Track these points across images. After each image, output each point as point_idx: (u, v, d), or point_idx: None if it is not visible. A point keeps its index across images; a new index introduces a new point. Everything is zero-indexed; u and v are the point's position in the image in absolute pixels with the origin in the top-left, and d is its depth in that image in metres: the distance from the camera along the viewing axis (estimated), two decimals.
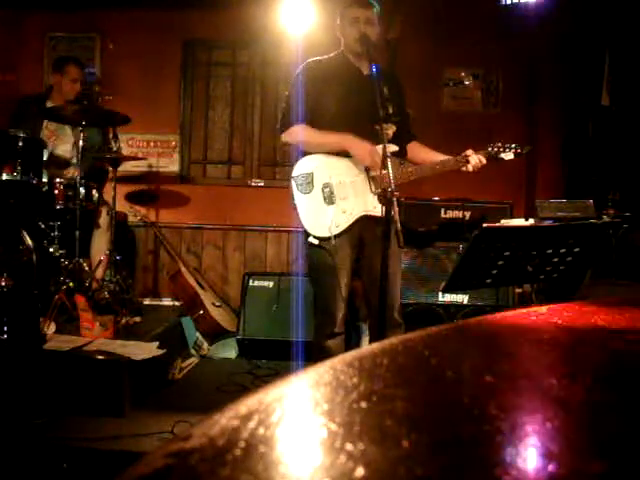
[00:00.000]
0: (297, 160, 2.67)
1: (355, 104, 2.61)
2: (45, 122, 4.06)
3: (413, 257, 3.82)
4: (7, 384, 2.67)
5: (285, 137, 2.68)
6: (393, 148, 2.48)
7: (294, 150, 2.74)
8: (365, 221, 2.59)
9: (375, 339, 2.62)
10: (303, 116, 2.62)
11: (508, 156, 2.71)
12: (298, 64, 2.74)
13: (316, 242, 2.56)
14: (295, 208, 2.60)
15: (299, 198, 2.59)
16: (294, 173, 2.62)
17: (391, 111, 2.38)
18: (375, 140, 2.49)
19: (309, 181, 2.60)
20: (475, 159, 2.63)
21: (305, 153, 2.67)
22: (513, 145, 2.72)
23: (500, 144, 2.71)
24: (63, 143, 4.07)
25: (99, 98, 4.74)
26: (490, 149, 2.70)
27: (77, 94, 4.12)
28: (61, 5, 4.82)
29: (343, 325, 2.67)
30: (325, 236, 2.56)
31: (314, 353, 2.74)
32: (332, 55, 2.75)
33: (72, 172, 3.81)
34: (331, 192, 2.59)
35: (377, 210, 2.45)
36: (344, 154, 2.62)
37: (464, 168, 2.65)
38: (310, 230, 2.58)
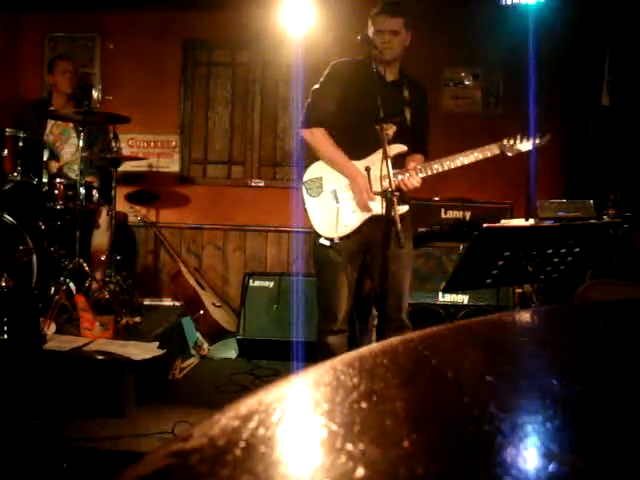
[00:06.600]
0: (300, 162, 2.84)
1: (368, 106, 2.62)
2: (49, 126, 4.06)
3: (413, 257, 3.83)
4: (7, 384, 2.67)
5: (306, 135, 2.74)
6: (401, 148, 2.56)
7: (298, 150, 2.81)
8: (373, 222, 2.61)
9: (380, 339, 2.64)
10: (326, 117, 2.70)
11: (526, 147, 2.68)
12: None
13: (327, 243, 2.63)
14: (306, 212, 2.70)
15: (309, 202, 2.69)
16: (304, 178, 2.72)
17: (409, 117, 2.46)
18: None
19: (318, 185, 2.69)
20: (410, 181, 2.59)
21: (314, 158, 2.76)
22: (529, 137, 2.69)
23: (514, 137, 2.68)
24: (69, 146, 4.08)
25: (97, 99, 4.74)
26: (505, 142, 2.66)
27: (72, 87, 4.11)
28: (61, 5, 4.82)
29: (346, 323, 2.70)
30: (335, 236, 2.63)
31: (317, 349, 2.82)
32: (360, 59, 2.76)
33: (89, 178, 3.82)
34: (342, 194, 2.67)
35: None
36: (351, 158, 2.68)
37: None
38: (321, 232, 2.65)
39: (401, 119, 2.62)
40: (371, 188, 2.60)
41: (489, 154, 2.62)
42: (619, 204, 3.59)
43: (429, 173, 2.61)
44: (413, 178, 2.58)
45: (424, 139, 2.85)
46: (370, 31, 2.68)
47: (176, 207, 4.90)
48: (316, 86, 2.75)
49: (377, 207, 2.57)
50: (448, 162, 2.62)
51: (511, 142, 2.65)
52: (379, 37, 2.63)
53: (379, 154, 2.61)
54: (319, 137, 2.70)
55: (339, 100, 2.69)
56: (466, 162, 2.62)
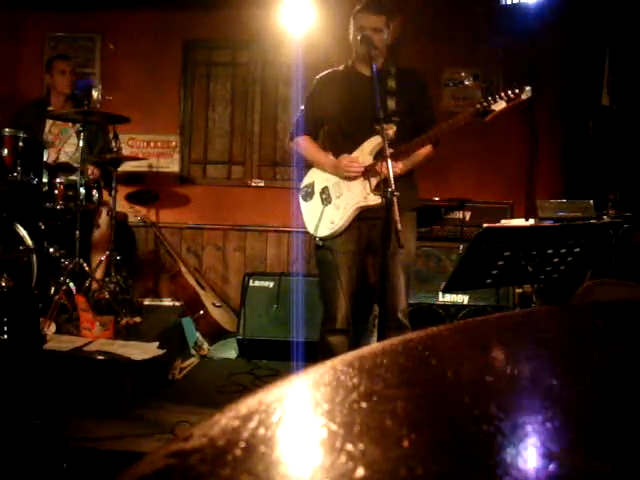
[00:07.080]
0: (300, 162, 2.92)
1: (360, 108, 2.63)
2: (48, 126, 4.06)
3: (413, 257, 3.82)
4: (7, 384, 2.67)
5: (293, 145, 2.94)
6: (380, 140, 2.50)
7: (296, 154, 2.96)
8: (371, 221, 2.61)
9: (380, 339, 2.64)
10: (311, 127, 2.87)
11: (500, 106, 2.31)
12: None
13: (321, 243, 2.73)
14: (302, 216, 2.86)
15: (303, 207, 2.85)
16: (301, 185, 2.89)
17: (395, 108, 2.45)
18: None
19: (311, 190, 2.83)
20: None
21: (310, 165, 2.90)
22: (509, 92, 2.30)
23: (489, 97, 2.34)
24: (68, 146, 4.07)
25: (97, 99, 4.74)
26: (478, 105, 2.36)
27: (71, 87, 4.11)
28: (61, 5, 4.81)
29: (345, 323, 2.71)
30: (325, 235, 2.71)
31: (317, 349, 2.86)
32: (342, 67, 2.85)
33: (91, 171, 3.82)
34: (328, 194, 2.75)
35: (369, 200, 2.60)
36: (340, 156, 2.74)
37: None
38: (313, 233, 2.76)
39: (387, 110, 2.57)
40: (370, 186, 2.62)
41: (462, 121, 2.44)
42: (619, 204, 3.59)
43: (406, 155, 2.59)
44: (387, 163, 2.35)
45: (429, 126, 2.65)
46: (352, 29, 2.69)
47: (176, 207, 4.90)
48: (301, 107, 2.90)
49: (363, 197, 2.63)
50: (422, 138, 2.53)
51: (485, 104, 2.33)
52: (360, 34, 2.64)
53: (360, 149, 2.68)
54: (302, 144, 2.86)
55: (323, 110, 2.79)
56: (439, 134, 2.54)
